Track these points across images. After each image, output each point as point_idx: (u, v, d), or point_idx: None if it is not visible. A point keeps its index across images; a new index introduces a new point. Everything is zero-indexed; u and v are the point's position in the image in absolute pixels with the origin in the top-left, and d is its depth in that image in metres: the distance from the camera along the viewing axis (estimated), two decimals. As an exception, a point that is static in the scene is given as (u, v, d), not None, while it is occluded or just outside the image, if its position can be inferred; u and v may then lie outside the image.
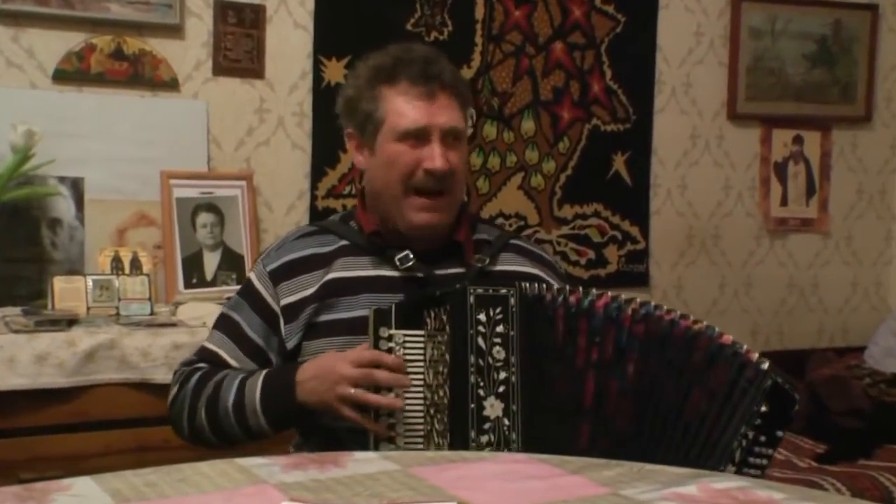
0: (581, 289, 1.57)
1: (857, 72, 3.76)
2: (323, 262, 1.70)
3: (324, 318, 1.66)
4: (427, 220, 1.67)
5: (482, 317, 1.51)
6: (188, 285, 2.76)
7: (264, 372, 1.64)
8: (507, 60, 3.27)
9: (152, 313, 2.54)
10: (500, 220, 3.27)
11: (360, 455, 1.29)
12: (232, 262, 2.84)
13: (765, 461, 1.51)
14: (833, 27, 3.71)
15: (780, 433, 1.52)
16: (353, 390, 1.51)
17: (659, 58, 3.49)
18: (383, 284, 1.67)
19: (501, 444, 1.48)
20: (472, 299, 1.51)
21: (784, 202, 3.73)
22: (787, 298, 3.78)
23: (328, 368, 1.55)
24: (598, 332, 1.52)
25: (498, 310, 1.52)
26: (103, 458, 2.26)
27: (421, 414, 1.52)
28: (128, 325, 2.40)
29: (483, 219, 1.96)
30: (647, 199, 3.51)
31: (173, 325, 2.45)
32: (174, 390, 1.73)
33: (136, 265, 2.65)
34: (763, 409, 1.51)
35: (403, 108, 1.65)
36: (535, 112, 3.32)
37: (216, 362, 1.72)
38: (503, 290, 1.53)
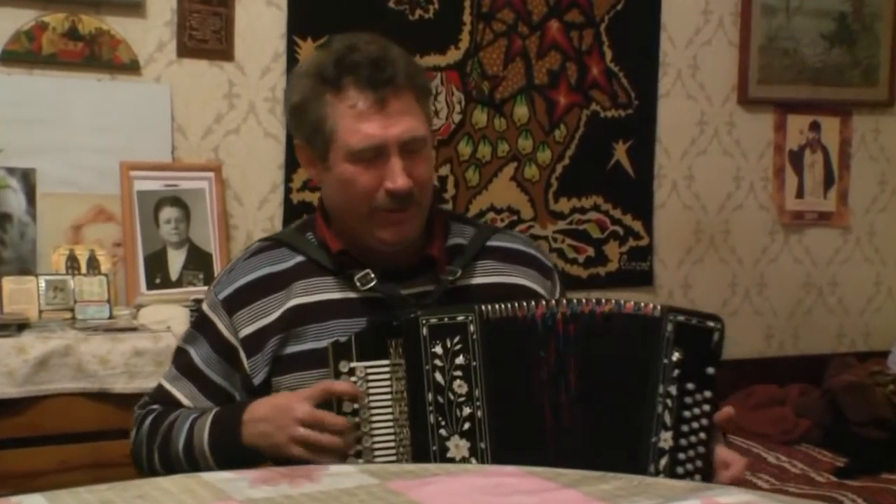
0: (545, 302, 1.57)
1: (880, 52, 3.77)
2: (280, 282, 1.68)
3: (291, 350, 1.64)
4: (396, 236, 1.64)
5: (438, 349, 1.50)
6: (151, 286, 2.76)
7: (213, 412, 1.64)
8: (498, 41, 3.28)
9: (111, 317, 2.54)
10: (490, 215, 3.28)
11: (335, 469, 1.30)
12: (199, 260, 2.84)
13: (707, 407, 1.54)
14: (853, 4, 3.73)
15: (710, 370, 1.55)
16: (302, 430, 1.49)
17: (663, 37, 3.50)
18: (352, 308, 1.65)
19: None
20: (425, 331, 1.50)
21: (800, 194, 3.75)
22: (803, 299, 3.80)
23: (280, 408, 1.54)
24: (541, 346, 1.54)
25: (456, 339, 1.50)
26: (58, 474, 2.26)
27: (393, 452, 1.50)
28: (84, 330, 2.40)
29: (457, 216, 1.91)
30: (651, 191, 3.53)
31: (134, 329, 2.45)
32: (132, 434, 1.74)
33: (93, 264, 2.65)
34: (675, 357, 1.53)
35: (353, 123, 1.60)
36: (528, 97, 3.33)
37: (170, 402, 1.72)
38: (460, 317, 1.51)
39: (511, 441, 1.51)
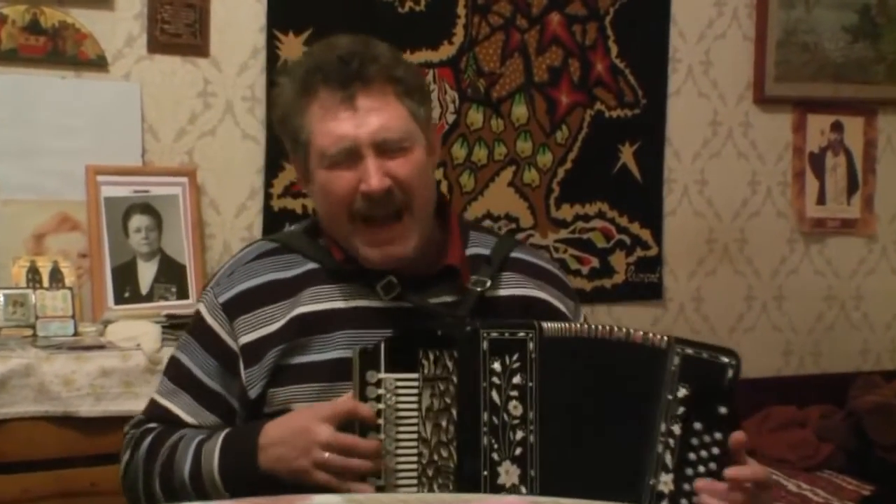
0: (597, 325, 1.57)
1: (906, 47, 3.79)
2: (288, 290, 1.67)
3: (294, 361, 1.63)
4: (382, 257, 1.63)
5: (497, 366, 1.49)
6: (119, 300, 2.75)
7: (223, 434, 1.62)
8: (495, 35, 3.29)
9: (76, 334, 2.54)
10: (486, 223, 3.28)
11: (319, 499, 1.30)
12: (171, 272, 2.83)
13: (716, 449, 1.53)
14: (877, -5, 3.75)
15: (722, 410, 1.53)
16: (328, 455, 1.49)
17: (673, 31, 3.51)
18: (365, 318, 1.64)
19: None
20: (485, 345, 1.49)
21: (821, 200, 3.76)
22: (825, 313, 3.81)
23: (299, 430, 1.52)
24: (580, 371, 1.54)
25: (514, 356, 1.50)
26: (18, 505, 2.26)
27: (414, 473, 1.49)
28: (47, 348, 2.39)
29: (473, 224, 1.90)
30: (660, 197, 3.53)
31: (101, 347, 2.44)
32: (125, 457, 1.71)
33: (56, 277, 2.64)
34: (682, 393, 1.53)
35: (324, 125, 1.61)
36: (527, 96, 3.34)
37: (168, 419, 1.70)
38: (521, 333, 1.50)
39: (562, 472, 1.50)
